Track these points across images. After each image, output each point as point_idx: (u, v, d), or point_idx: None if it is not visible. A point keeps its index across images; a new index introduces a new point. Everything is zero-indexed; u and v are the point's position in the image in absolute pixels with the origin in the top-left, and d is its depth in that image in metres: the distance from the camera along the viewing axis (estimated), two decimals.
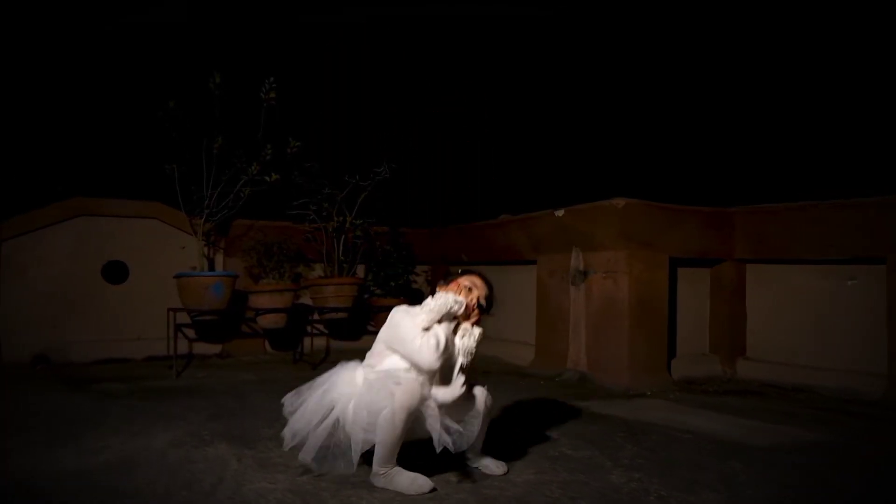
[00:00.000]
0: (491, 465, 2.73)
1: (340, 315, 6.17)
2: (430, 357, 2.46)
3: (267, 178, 5.62)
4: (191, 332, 6.30)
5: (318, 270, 6.61)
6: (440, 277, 2.89)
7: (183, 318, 5.92)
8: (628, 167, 6.09)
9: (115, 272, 6.24)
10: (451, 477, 2.61)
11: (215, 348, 6.48)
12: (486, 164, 7.20)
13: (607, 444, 3.22)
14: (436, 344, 2.47)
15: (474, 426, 2.54)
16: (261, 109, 5.61)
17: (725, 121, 6.09)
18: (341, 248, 6.28)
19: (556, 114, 6.84)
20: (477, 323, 2.72)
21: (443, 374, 2.58)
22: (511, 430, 3.46)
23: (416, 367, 2.49)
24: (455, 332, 2.65)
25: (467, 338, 2.64)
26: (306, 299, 6.42)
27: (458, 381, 2.60)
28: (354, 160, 6.20)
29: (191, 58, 6.05)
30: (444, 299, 2.57)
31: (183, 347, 6.09)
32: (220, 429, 3.46)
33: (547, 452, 3.06)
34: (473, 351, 2.65)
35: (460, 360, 2.62)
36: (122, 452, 3.00)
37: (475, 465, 2.72)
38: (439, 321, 2.57)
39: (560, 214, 5.35)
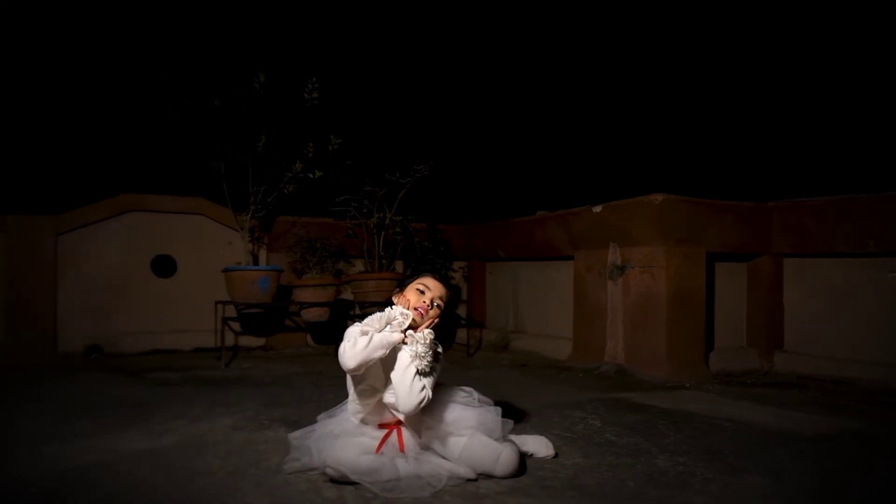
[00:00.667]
0: (542, 450, 2.83)
1: (381, 310, 6.32)
2: (345, 357, 2.35)
3: (311, 175, 5.78)
4: (236, 326, 6.50)
5: (359, 266, 6.77)
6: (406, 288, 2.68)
7: (229, 311, 6.13)
8: (665, 162, 6.14)
9: (164, 266, 6.46)
10: None
11: (259, 341, 6.68)
12: (522, 161, 7.29)
13: (651, 432, 3.31)
14: (352, 342, 2.35)
15: (455, 447, 2.52)
16: (303, 108, 5.77)
17: (763, 115, 6.11)
18: (381, 243, 6.43)
19: (592, 109, 6.90)
20: (437, 325, 2.59)
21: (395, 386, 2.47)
22: (553, 419, 3.57)
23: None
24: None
25: (412, 344, 2.44)
26: (347, 294, 6.58)
27: (416, 385, 2.41)
28: (394, 157, 6.32)
29: (236, 57, 6.22)
30: (387, 312, 2.51)
31: (229, 340, 6.28)
32: (276, 415, 3.62)
33: (592, 439, 3.17)
34: (426, 354, 2.44)
35: (414, 365, 2.43)
36: (189, 434, 3.17)
37: (524, 451, 2.82)
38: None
39: (598, 210, 5.43)
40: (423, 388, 2.42)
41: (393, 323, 2.47)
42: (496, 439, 2.60)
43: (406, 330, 2.49)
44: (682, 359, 4.99)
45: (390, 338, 2.43)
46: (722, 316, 5.61)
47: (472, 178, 7.40)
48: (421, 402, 2.42)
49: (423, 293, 2.60)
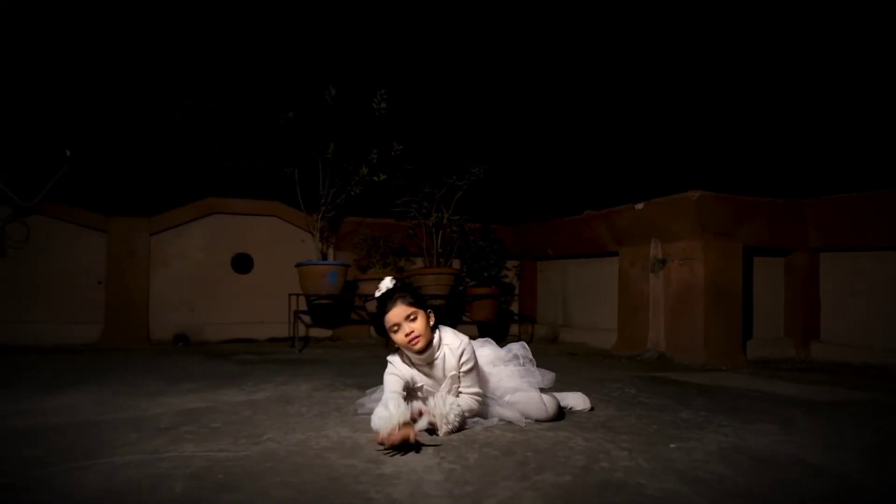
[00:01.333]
0: (579, 403, 3.28)
1: (438, 302, 6.83)
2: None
3: (375, 178, 6.35)
4: (307, 319, 7.11)
5: (419, 264, 7.31)
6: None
7: (300, 305, 6.74)
8: (704, 159, 6.47)
9: (242, 263, 7.13)
10: None
11: (327, 333, 7.27)
12: (569, 163, 7.75)
13: (681, 397, 3.72)
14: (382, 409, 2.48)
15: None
16: (371, 117, 6.35)
17: (799, 112, 6.38)
18: (439, 241, 6.95)
19: (634, 110, 7.30)
20: (434, 327, 2.83)
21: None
22: (593, 388, 3.99)
23: None
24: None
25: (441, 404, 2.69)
26: None
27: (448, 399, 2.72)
28: (450, 161, 6.85)
29: (308, 71, 6.87)
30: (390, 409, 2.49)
31: (300, 331, 6.89)
32: (348, 382, 4.16)
33: (627, 401, 3.59)
34: (454, 420, 2.69)
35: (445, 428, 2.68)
36: (277, 393, 3.73)
37: (563, 405, 3.26)
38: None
39: (639, 208, 5.83)
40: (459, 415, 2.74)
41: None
42: (538, 389, 3.06)
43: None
44: (719, 346, 5.34)
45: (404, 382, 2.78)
46: (760, 307, 5.93)
47: (522, 180, 7.88)
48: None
49: (398, 331, 2.72)
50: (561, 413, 3.08)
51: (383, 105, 6.21)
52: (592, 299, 7.04)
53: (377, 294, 2.83)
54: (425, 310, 2.79)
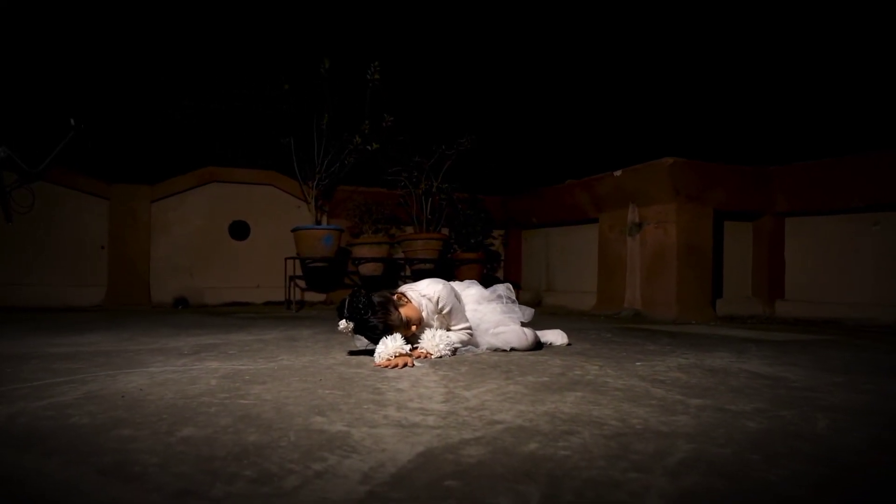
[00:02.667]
0: (558, 339, 3.65)
1: (427, 266, 7.19)
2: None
3: (369, 147, 6.67)
4: (301, 283, 7.44)
5: (409, 231, 7.64)
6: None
7: (296, 270, 7.07)
8: (677, 128, 6.84)
9: (239, 230, 7.44)
10: None
11: (321, 297, 7.60)
12: (552, 135, 8.10)
13: (649, 337, 4.10)
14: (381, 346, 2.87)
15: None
16: (364, 87, 6.65)
17: (767, 82, 6.75)
18: (428, 209, 7.29)
19: (610, 82, 7.62)
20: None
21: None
22: (572, 335, 4.35)
23: None
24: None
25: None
26: (398, 255, 7.47)
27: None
28: (440, 131, 7.17)
29: (303, 45, 7.15)
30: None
31: (295, 296, 7.22)
32: None
33: (601, 339, 3.96)
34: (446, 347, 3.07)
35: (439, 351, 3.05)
36: (284, 335, 4.07)
37: (544, 341, 3.63)
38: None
39: (618, 175, 6.20)
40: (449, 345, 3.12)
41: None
42: (518, 322, 3.42)
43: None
44: (690, 302, 5.73)
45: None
46: (729, 269, 6.33)
47: (508, 151, 8.22)
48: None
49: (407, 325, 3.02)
50: (540, 344, 3.45)
51: (377, 76, 6.51)
52: (574, 264, 7.41)
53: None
54: (393, 316, 2.95)
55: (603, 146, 7.17)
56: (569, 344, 3.65)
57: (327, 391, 2.16)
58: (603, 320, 5.83)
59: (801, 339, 4.18)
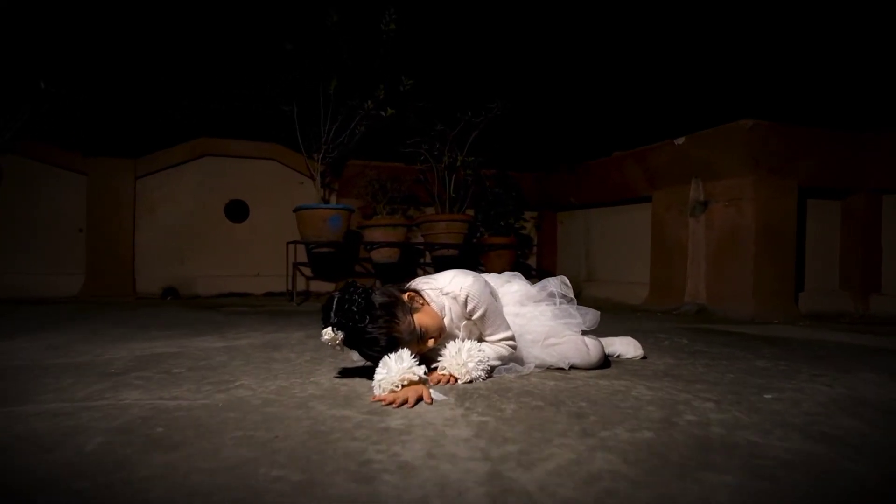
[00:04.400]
0: (629, 350, 2.68)
1: (451, 252, 6.23)
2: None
3: (382, 113, 5.69)
4: (307, 271, 6.52)
5: (429, 212, 6.68)
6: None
7: (300, 256, 6.15)
8: (750, 85, 5.62)
9: (237, 211, 6.53)
10: None
11: (329, 286, 6.68)
12: (596, 99, 6.87)
13: (745, 346, 3.11)
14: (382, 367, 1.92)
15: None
16: (377, 46, 5.67)
17: (862, 33, 5.54)
18: (451, 186, 6.32)
19: (665, 29, 6.33)
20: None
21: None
22: (636, 338, 3.38)
23: None
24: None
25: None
26: (417, 240, 6.51)
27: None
28: (465, 97, 6.18)
29: None
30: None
31: (300, 285, 6.32)
32: None
33: (681, 349, 2.99)
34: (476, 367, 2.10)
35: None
36: (264, 340, 3.15)
37: (609, 352, 2.66)
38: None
39: (680, 142, 5.18)
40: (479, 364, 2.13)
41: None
42: (578, 330, 2.45)
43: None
44: (769, 297, 4.71)
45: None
46: (813, 256, 5.28)
47: (543, 121, 7.10)
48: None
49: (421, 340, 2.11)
50: (606, 360, 2.48)
51: (392, 27, 5.51)
52: (620, 251, 6.41)
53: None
54: (401, 325, 2.04)
55: (657, 109, 6.01)
56: (644, 357, 2.68)
57: (277, 471, 1.22)
58: (662, 318, 4.84)
59: None
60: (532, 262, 7.42)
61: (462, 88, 6.30)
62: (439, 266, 6.76)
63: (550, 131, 7.06)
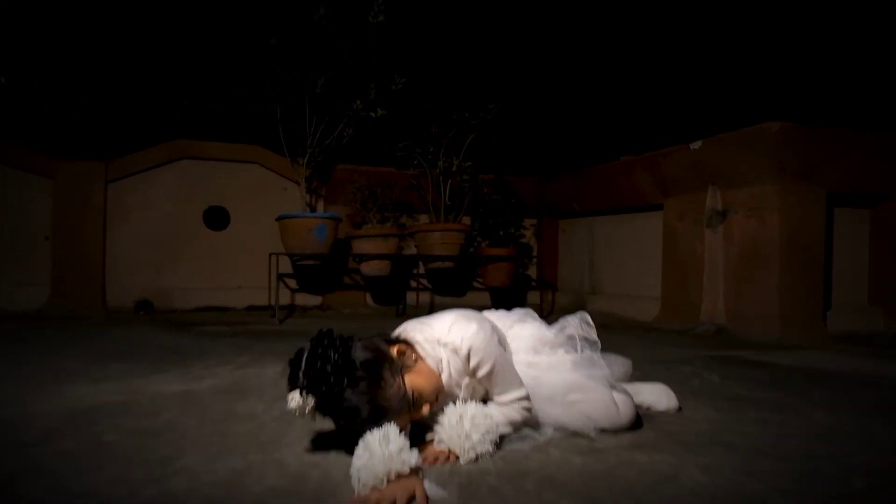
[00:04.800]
0: (662, 401, 2.26)
1: (446, 264, 5.79)
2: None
3: (372, 115, 5.25)
4: (292, 283, 6.09)
5: (423, 220, 6.25)
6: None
7: (284, 267, 5.72)
8: (770, 87, 5.14)
9: (217, 218, 6.10)
10: None
11: (316, 300, 6.25)
12: (601, 100, 6.40)
13: (788, 385, 2.70)
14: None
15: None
16: (367, 41, 5.23)
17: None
18: (447, 193, 5.88)
19: (672, 31, 5.80)
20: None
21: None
22: (658, 374, 2.95)
23: None
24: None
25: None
26: (410, 250, 6.08)
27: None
28: (462, 98, 5.74)
29: None
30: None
31: (284, 298, 5.90)
32: None
33: (716, 392, 2.57)
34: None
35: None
36: (232, 380, 2.73)
37: (638, 402, 2.23)
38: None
39: (696, 147, 4.76)
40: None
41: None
42: (605, 384, 2.01)
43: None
44: (796, 316, 4.31)
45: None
46: (840, 270, 4.88)
47: (544, 123, 6.64)
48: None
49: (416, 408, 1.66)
50: (638, 419, 2.05)
51: (381, 18, 5.07)
52: (626, 262, 6.00)
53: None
54: (389, 391, 1.59)
55: (669, 111, 5.54)
56: (679, 408, 2.25)
57: None
58: (677, 339, 4.42)
59: None
60: (532, 272, 6.99)
61: (458, 88, 5.84)
62: (434, 278, 6.33)
63: (551, 134, 6.61)
